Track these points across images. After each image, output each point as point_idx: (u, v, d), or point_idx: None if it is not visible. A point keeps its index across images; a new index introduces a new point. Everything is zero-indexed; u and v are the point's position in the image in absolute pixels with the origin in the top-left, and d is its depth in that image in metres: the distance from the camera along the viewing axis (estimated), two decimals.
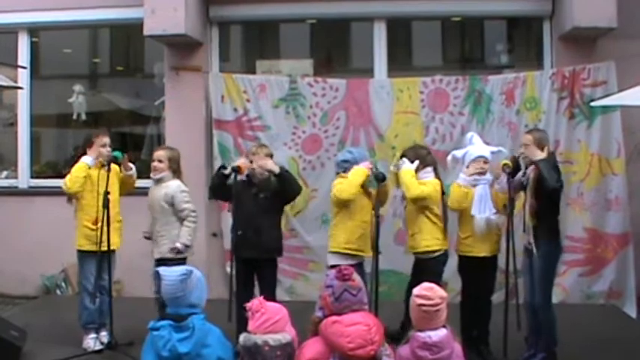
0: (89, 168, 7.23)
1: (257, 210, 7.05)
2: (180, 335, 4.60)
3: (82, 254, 7.40)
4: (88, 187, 7.30)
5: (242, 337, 4.49)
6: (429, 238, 6.97)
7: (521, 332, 6.40)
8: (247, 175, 7.16)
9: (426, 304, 4.39)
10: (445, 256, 7.08)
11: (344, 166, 7.07)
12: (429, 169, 7.06)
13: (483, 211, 6.77)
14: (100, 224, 7.02)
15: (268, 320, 4.42)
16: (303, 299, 8.57)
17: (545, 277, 6.71)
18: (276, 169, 7.01)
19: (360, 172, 6.87)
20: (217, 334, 4.76)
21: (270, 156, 7.21)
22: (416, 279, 6.31)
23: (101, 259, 7.12)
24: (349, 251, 6.93)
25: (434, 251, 6.97)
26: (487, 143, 7.37)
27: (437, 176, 7.09)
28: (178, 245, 7.19)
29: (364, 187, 7.00)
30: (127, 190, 7.72)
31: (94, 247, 7.16)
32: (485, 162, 6.92)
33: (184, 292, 4.67)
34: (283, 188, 7.06)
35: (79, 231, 7.39)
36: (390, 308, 6.71)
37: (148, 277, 7.75)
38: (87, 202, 7.33)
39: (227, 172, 7.01)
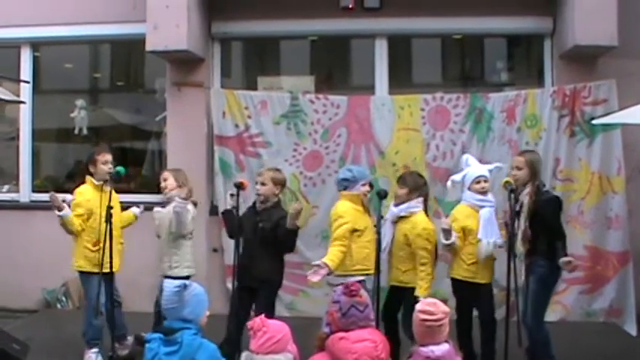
0: (67, 218, 7.26)
1: (256, 239, 7.07)
2: (168, 349, 4.58)
3: (85, 275, 7.42)
4: (95, 208, 7.35)
5: (243, 356, 4.49)
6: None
7: (522, 348, 6.43)
8: (253, 203, 7.16)
9: (429, 319, 4.40)
10: None
11: (344, 185, 7.00)
12: (421, 199, 7.02)
13: (490, 236, 6.77)
14: (100, 246, 7.08)
15: (270, 339, 4.40)
16: (304, 315, 8.59)
17: (538, 300, 6.73)
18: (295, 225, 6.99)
19: None
20: (210, 350, 4.72)
21: (274, 181, 7.21)
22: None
23: (103, 279, 7.14)
24: (355, 273, 6.74)
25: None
26: (486, 162, 7.38)
27: (425, 208, 7.06)
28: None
29: (364, 206, 7.00)
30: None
31: (95, 269, 7.19)
32: (486, 181, 6.96)
33: (178, 304, 4.66)
34: (284, 239, 7.03)
35: (78, 251, 7.42)
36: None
37: (148, 293, 7.82)
38: (90, 223, 7.38)
39: (231, 192, 7.07)
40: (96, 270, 7.14)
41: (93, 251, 7.30)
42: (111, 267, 7.01)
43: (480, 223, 6.79)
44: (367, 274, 6.73)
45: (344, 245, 6.74)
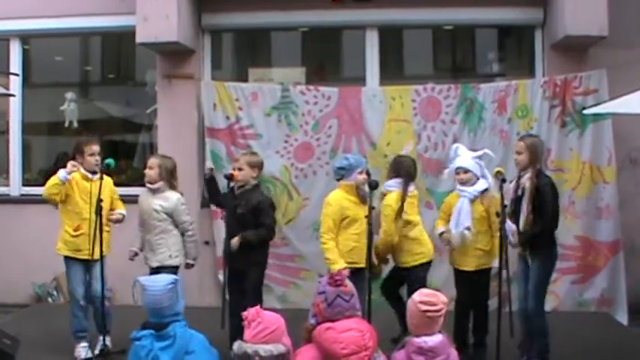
0: (62, 183, 7.12)
1: (236, 223, 7.04)
2: (162, 344, 4.58)
3: (66, 260, 7.39)
4: (76, 193, 7.28)
5: (235, 345, 4.47)
6: (418, 250, 7.10)
7: (514, 339, 6.42)
8: (231, 188, 7.15)
9: (430, 309, 4.39)
10: (429, 264, 7.16)
11: (341, 173, 6.96)
12: (399, 180, 7.09)
13: (458, 226, 6.86)
14: (80, 232, 7.17)
15: (264, 330, 4.37)
16: (295, 307, 8.56)
17: (540, 285, 6.71)
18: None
19: None
20: (201, 340, 4.73)
21: (250, 164, 7.20)
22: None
23: (88, 266, 7.19)
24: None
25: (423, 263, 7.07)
26: (475, 151, 7.35)
27: (404, 190, 7.04)
28: (190, 262, 7.37)
29: (360, 197, 6.92)
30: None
31: (71, 254, 7.26)
32: (465, 172, 6.98)
33: (171, 301, 4.65)
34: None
35: (61, 235, 7.39)
36: (384, 316, 6.71)
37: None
38: (71, 207, 7.30)
39: (206, 176, 7.36)
40: (74, 255, 7.22)
41: (73, 236, 7.27)
42: (101, 252, 6.82)
43: (453, 213, 6.92)
44: (353, 269, 6.33)
45: (332, 239, 6.82)
